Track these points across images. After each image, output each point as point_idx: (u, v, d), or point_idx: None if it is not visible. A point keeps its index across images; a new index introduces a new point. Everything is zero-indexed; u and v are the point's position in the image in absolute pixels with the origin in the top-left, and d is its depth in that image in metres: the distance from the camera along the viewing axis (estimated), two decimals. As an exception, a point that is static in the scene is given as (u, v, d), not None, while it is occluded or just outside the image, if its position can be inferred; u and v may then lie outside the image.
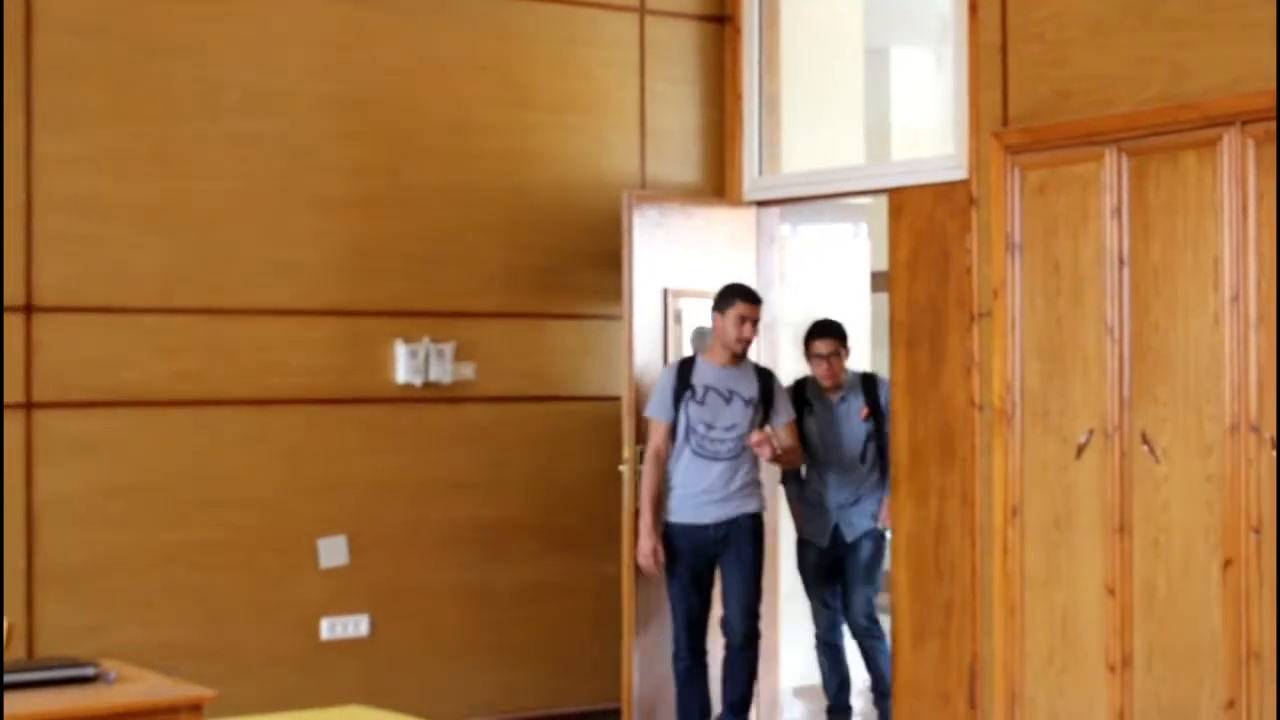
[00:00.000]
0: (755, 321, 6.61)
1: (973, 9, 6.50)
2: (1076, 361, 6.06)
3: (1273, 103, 5.53)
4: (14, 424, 6.08)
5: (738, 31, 7.52)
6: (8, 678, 4.38)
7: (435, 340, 6.88)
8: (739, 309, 6.55)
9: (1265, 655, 5.60)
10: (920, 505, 6.71)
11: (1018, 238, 6.30)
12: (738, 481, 6.65)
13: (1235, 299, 5.67)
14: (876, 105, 9.13)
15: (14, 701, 4.35)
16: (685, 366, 6.67)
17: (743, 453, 6.63)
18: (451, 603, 6.94)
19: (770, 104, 7.55)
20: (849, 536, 7.12)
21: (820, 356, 7.05)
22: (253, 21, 6.55)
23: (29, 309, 6.12)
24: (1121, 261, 5.97)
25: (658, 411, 6.64)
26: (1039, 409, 6.19)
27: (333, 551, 6.67)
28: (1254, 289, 5.63)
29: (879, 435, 7.06)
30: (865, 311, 8.50)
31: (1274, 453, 5.58)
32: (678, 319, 7.29)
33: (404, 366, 6.81)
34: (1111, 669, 5.95)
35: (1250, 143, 5.62)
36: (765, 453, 6.53)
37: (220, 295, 6.47)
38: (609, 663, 6.94)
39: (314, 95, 6.65)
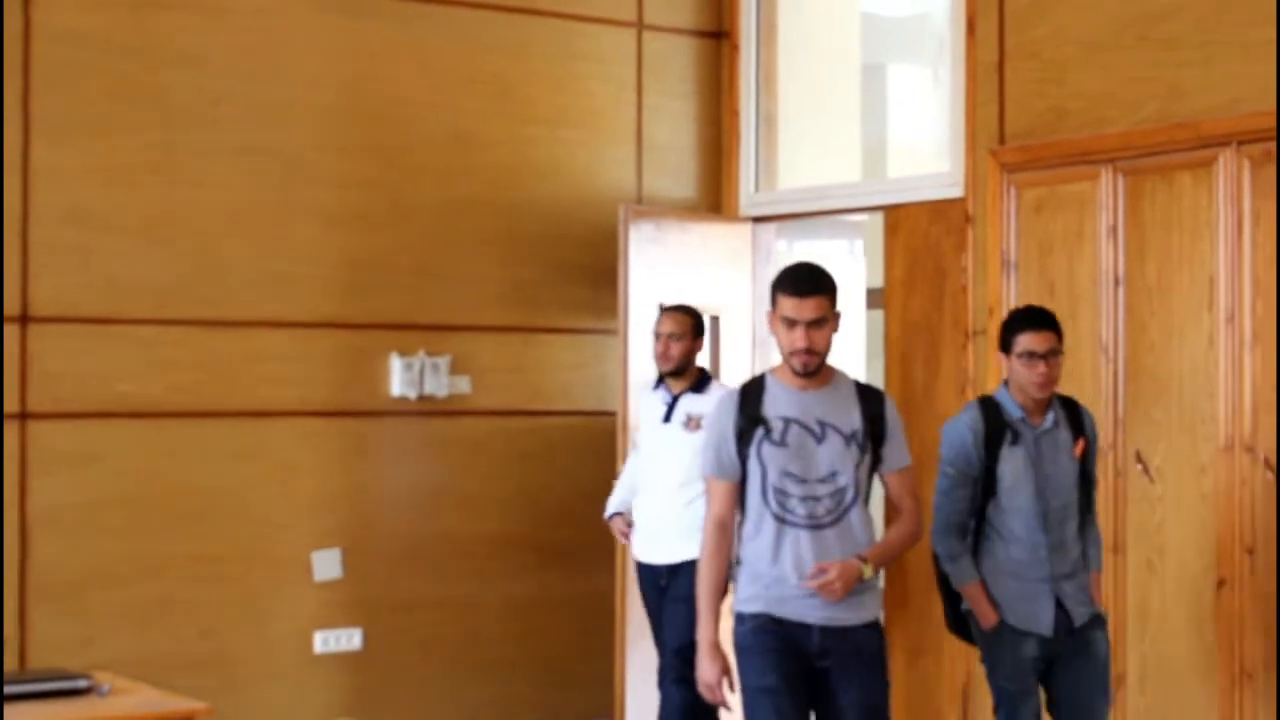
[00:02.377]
0: (815, 323, 4.66)
1: (970, 27, 6.51)
2: (1071, 381, 6.06)
3: (1269, 123, 5.54)
4: (9, 435, 6.07)
5: (735, 47, 7.53)
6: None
7: (430, 354, 6.88)
8: (782, 306, 4.70)
9: (1258, 675, 5.60)
10: (914, 522, 6.70)
11: (1013, 256, 6.30)
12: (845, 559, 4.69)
13: (1230, 319, 5.68)
14: (873, 122, 9.14)
15: (7, 713, 4.35)
16: (751, 392, 4.80)
17: (848, 513, 4.71)
18: (445, 616, 6.94)
19: (767, 120, 7.56)
20: (1077, 620, 5.14)
21: (1035, 356, 5.10)
22: (250, 34, 6.55)
23: (25, 319, 6.12)
24: (1117, 281, 5.98)
25: (713, 467, 4.78)
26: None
27: (326, 565, 6.67)
28: (1249, 309, 5.64)
29: (1084, 481, 5.24)
30: (860, 328, 8.51)
31: (1268, 474, 5.59)
32: (673, 334, 7.28)
33: (399, 380, 6.81)
34: (1104, 688, 5.95)
35: (1246, 163, 5.63)
36: (834, 592, 4.63)
37: (216, 307, 6.46)
38: (601, 677, 6.94)
39: (311, 108, 6.66)
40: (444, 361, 6.91)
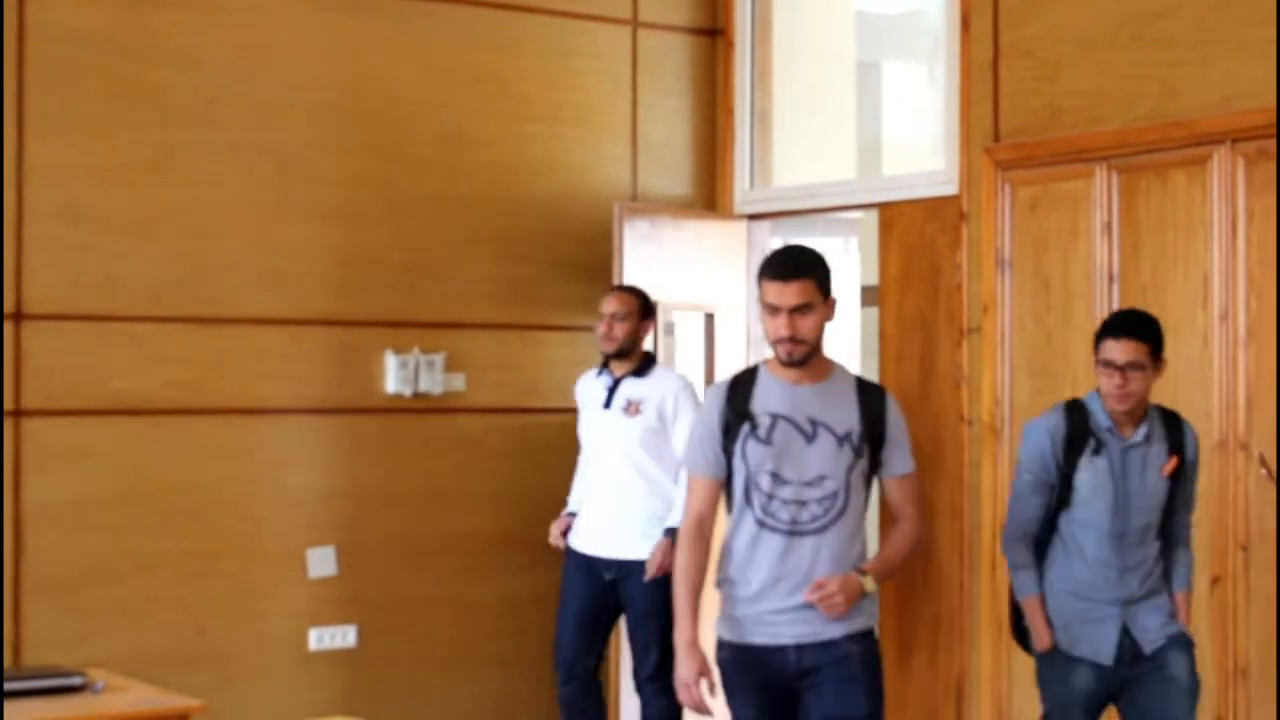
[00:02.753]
0: (799, 309, 4.32)
1: (965, 24, 6.52)
2: (1066, 378, 6.07)
3: (1263, 120, 5.55)
4: (4, 432, 6.07)
5: (730, 45, 7.53)
6: (-5, 687, 4.38)
7: (425, 351, 6.88)
8: (765, 291, 4.36)
9: (1253, 672, 5.61)
10: (909, 520, 6.70)
11: (1008, 254, 6.31)
12: (833, 571, 4.38)
13: (1224, 317, 5.69)
14: (868, 119, 9.15)
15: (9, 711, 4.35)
16: (741, 384, 4.48)
17: (836, 522, 4.38)
18: (440, 614, 6.94)
19: (762, 117, 7.56)
20: (1147, 646, 4.84)
21: (1112, 366, 4.81)
22: (247, 31, 6.54)
23: (19, 316, 6.11)
24: (1111, 279, 5.99)
25: (696, 462, 4.49)
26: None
27: (321, 562, 6.66)
28: (1243, 307, 5.65)
29: (1173, 500, 4.91)
30: (855, 326, 8.51)
31: (1262, 471, 5.60)
32: (669, 331, 7.30)
33: (394, 377, 6.81)
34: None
35: (1240, 161, 5.64)
36: (836, 607, 4.36)
37: (211, 304, 6.46)
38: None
39: (307, 105, 6.65)
40: (439, 359, 6.91)
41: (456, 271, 6.96)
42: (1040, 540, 4.97)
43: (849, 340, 8.25)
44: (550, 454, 7.14)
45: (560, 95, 7.23)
